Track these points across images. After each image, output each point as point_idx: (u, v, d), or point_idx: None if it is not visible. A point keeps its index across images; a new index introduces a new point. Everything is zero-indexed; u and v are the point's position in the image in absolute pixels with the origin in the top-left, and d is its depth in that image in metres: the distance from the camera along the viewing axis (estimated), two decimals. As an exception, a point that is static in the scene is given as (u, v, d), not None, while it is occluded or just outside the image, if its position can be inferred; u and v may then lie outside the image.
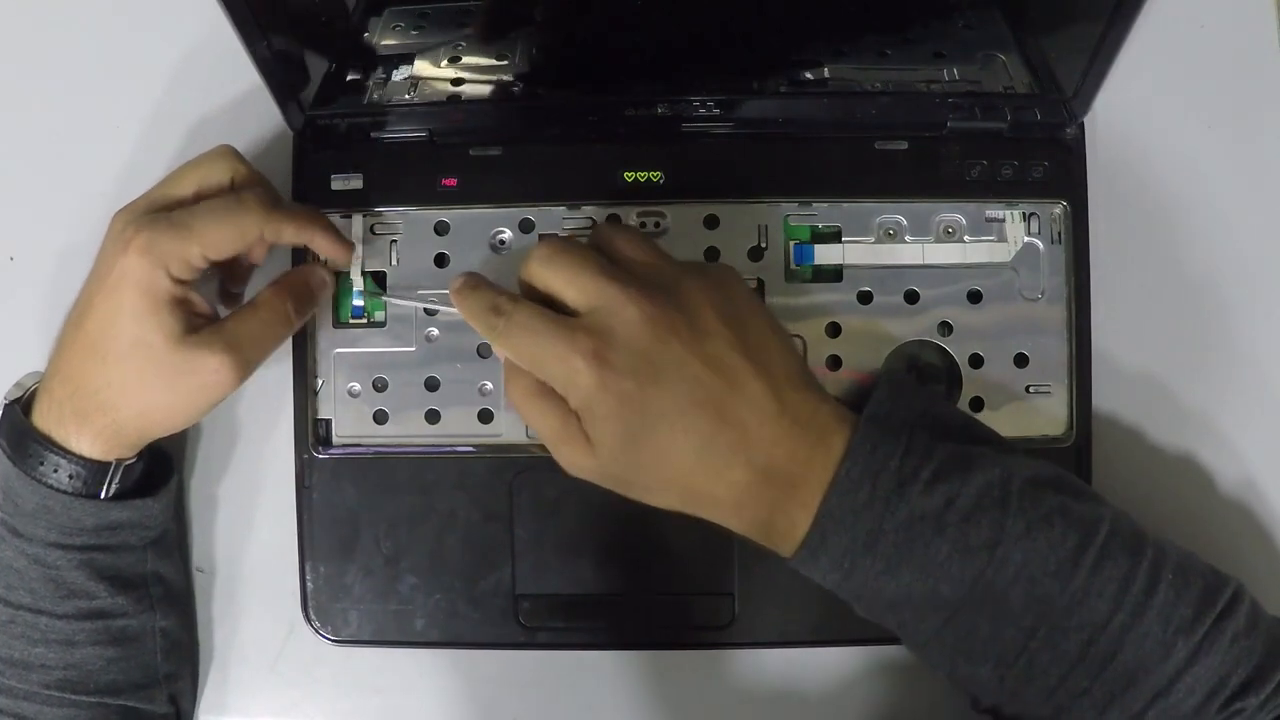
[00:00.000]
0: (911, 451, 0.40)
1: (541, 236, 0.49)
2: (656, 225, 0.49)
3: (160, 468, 0.48)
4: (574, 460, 0.42)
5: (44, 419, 0.44)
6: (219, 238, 0.43)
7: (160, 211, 0.44)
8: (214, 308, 0.46)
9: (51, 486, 0.44)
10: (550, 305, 0.42)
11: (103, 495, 0.45)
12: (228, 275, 0.49)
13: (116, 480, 0.45)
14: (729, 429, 0.40)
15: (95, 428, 0.44)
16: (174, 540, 0.50)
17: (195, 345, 0.43)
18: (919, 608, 0.40)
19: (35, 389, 0.46)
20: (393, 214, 0.49)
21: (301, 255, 0.49)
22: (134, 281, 0.42)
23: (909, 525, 0.39)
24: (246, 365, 0.44)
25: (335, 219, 0.49)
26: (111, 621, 0.45)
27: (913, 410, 0.42)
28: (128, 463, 0.45)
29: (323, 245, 0.47)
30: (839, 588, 0.41)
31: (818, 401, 0.41)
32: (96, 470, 0.44)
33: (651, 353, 0.40)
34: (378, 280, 0.49)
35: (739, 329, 0.41)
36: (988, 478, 0.40)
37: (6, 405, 0.46)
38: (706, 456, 0.40)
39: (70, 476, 0.44)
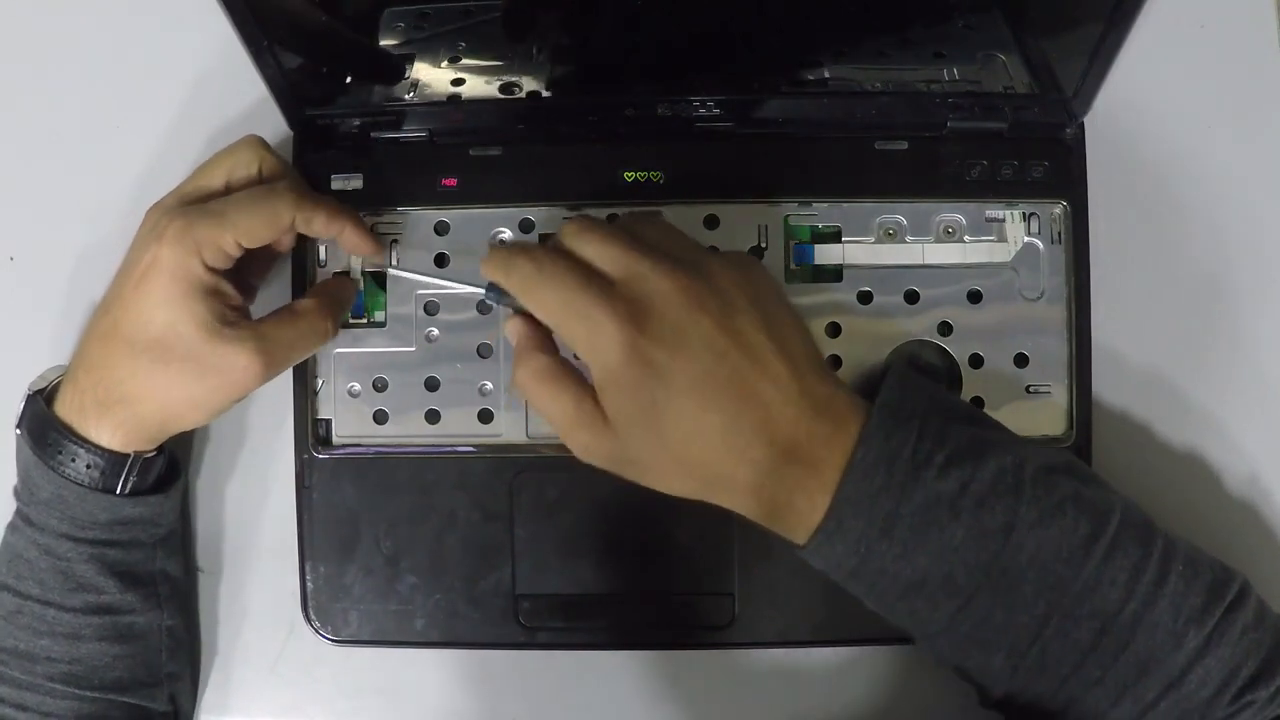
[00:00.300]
0: (925, 436, 0.40)
1: (541, 237, 0.49)
2: (656, 225, 0.49)
3: (170, 467, 0.48)
4: (588, 444, 0.41)
5: (66, 408, 0.44)
6: (252, 224, 0.43)
7: (194, 203, 0.44)
8: (245, 300, 0.46)
9: (68, 477, 0.44)
10: None
11: (119, 490, 0.45)
12: (249, 268, 0.49)
13: (134, 474, 0.45)
14: (753, 407, 0.40)
15: (116, 418, 0.44)
16: (180, 539, 0.50)
17: (227, 339, 0.43)
18: (933, 594, 0.40)
19: (59, 381, 0.46)
20: (393, 214, 0.49)
21: (301, 262, 0.49)
22: (167, 268, 0.42)
23: (925, 509, 0.39)
24: (274, 368, 0.45)
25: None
26: (119, 617, 0.46)
27: (922, 399, 0.42)
28: (146, 456, 0.45)
29: (351, 238, 0.47)
30: (852, 575, 0.41)
31: (834, 387, 0.41)
32: (115, 462, 0.44)
33: (683, 324, 0.40)
34: (378, 280, 0.49)
35: (763, 310, 0.41)
36: (1001, 463, 0.40)
37: (30, 395, 0.46)
38: (730, 434, 0.40)
39: (88, 466, 0.44)
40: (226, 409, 0.45)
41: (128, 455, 0.45)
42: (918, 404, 0.41)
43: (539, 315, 0.42)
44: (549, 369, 0.42)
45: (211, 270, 0.43)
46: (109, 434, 0.44)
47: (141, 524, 0.46)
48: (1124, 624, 0.39)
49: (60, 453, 0.44)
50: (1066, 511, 0.40)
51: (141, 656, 0.47)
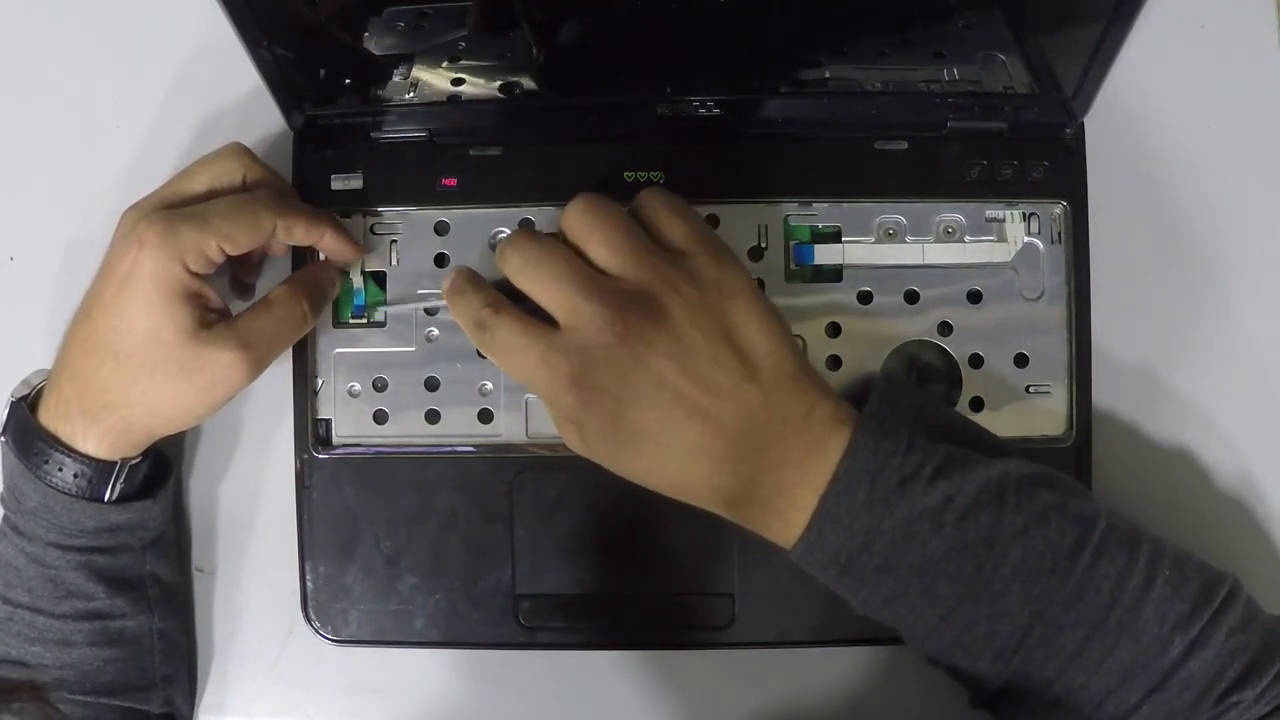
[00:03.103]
0: (914, 448, 0.40)
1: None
2: (656, 225, 0.49)
3: (159, 469, 0.48)
4: (573, 444, 0.43)
5: (51, 417, 0.44)
6: (234, 230, 0.43)
7: (173, 208, 0.44)
8: (226, 302, 0.46)
9: (55, 486, 0.44)
10: None
11: (106, 497, 0.45)
12: (240, 266, 0.49)
13: (121, 480, 0.45)
14: (715, 440, 0.40)
15: (103, 426, 0.44)
16: (171, 541, 0.50)
17: (209, 341, 0.43)
18: (916, 604, 0.40)
19: (42, 386, 0.46)
20: (393, 214, 0.49)
21: (302, 253, 0.49)
22: (148, 274, 0.42)
23: (908, 523, 0.39)
24: (259, 363, 0.44)
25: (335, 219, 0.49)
26: (109, 622, 0.45)
27: (911, 410, 0.42)
28: (133, 462, 0.45)
29: (330, 245, 0.47)
30: (837, 582, 0.41)
31: (814, 401, 0.41)
32: (102, 470, 0.44)
33: (630, 373, 0.40)
34: (378, 280, 0.49)
35: (723, 338, 0.41)
36: (987, 474, 0.40)
37: (13, 403, 0.46)
38: (693, 465, 0.40)
39: (75, 475, 0.44)
40: (215, 410, 0.45)
41: (115, 462, 0.44)
42: (905, 415, 0.41)
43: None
44: None
45: (194, 275, 0.43)
46: (96, 442, 0.44)
47: (129, 529, 0.46)
48: (1109, 630, 0.39)
49: (47, 462, 0.44)
50: (1050, 521, 0.39)
51: (134, 660, 0.47)
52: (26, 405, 0.45)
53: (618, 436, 0.41)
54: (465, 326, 0.44)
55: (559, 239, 0.43)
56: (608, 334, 0.40)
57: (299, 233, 0.46)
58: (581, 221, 0.42)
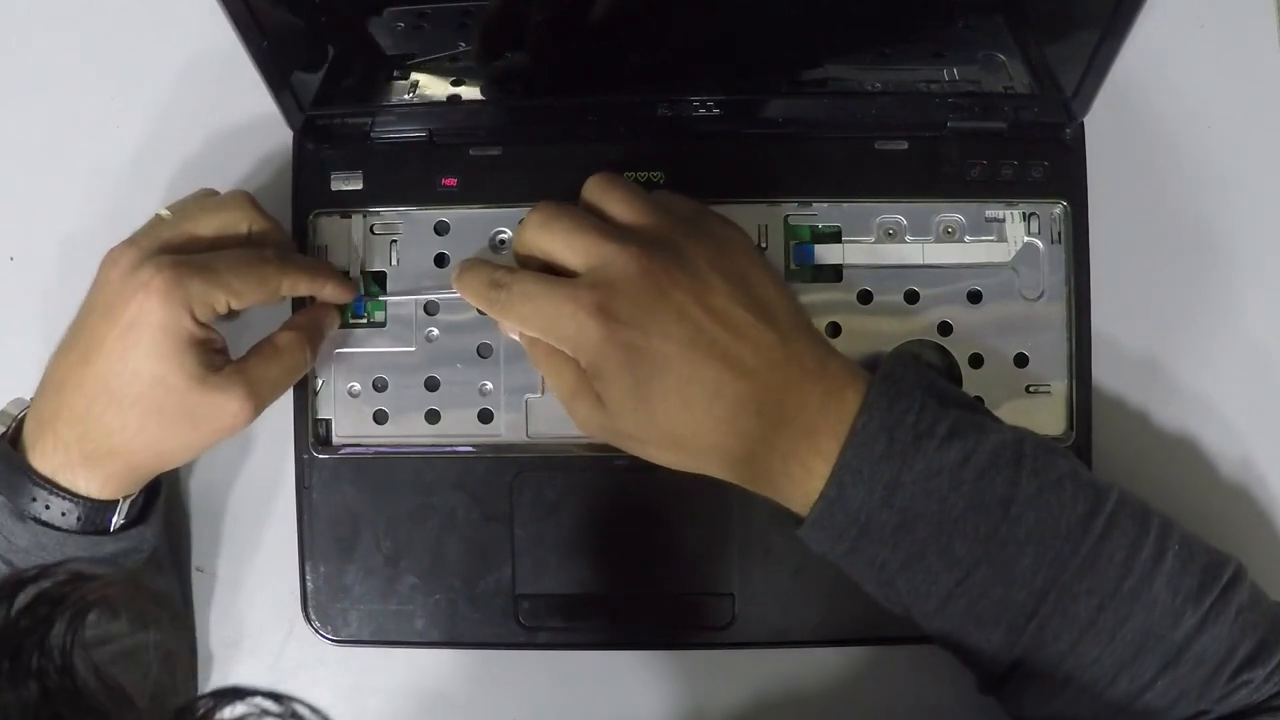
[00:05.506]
0: (926, 408, 0.40)
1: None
2: (656, 225, 0.49)
3: (149, 493, 0.47)
4: (587, 416, 0.42)
5: (47, 461, 0.43)
6: (244, 288, 0.43)
7: (176, 253, 0.43)
8: (225, 341, 0.45)
9: (49, 524, 0.43)
10: (548, 272, 0.43)
11: (111, 530, 0.44)
12: None
13: (122, 516, 0.44)
14: (738, 377, 0.40)
15: (107, 471, 0.43)
16: (165, 554, 0.49)
17: (216, 386, 0.43)
18: (932, 567, 0.40)
19: (22, 419, 0.44)
20: (393, 214, 0.49)
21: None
22: (156, 322, 0.41)
23: (926, 479, 0.39)
24: (262, 407, 0.44)
25: (335, 219, 0.49)
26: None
27: (923, 379, 0.42)
28: (131, 498, 0.45)
29: (330, 293, 0.47)
30: (852, 549, 0.41)
31: (826, 353, 0.42)
32: (102, 508, 0.43)
33: (654, 304, 0.40)
34: (378, 280, 0.49)
35: (740, 282, 0.42)
36: (1002, 438, 0.40)
37: None
38: (717, 405, 0.40)
39: (79, 519, 0.43)
40: (213, 445, 0.45)
41: (115, 501, 0.44)
42: (916, 380, 0.42)
43: (523, 330, 0.43)
44: (552, 345, 0.43)
45: (200, 324, 0.42)
46: (99, 485, 0.43)
47: (124, 555, 0.45)
48: (1122, 600, 0.39)
49: (48, 508, 0.42)
50: (1065, 487, 0.40)
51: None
52: (8, 440, 0.44)
53: (638, 373, 0.40)
54: (478, 292, 0.43)
55: None
56: (633, 266, 0.40)
57: (302, 288, 0.46)
58: (597, 187, 0.44)
